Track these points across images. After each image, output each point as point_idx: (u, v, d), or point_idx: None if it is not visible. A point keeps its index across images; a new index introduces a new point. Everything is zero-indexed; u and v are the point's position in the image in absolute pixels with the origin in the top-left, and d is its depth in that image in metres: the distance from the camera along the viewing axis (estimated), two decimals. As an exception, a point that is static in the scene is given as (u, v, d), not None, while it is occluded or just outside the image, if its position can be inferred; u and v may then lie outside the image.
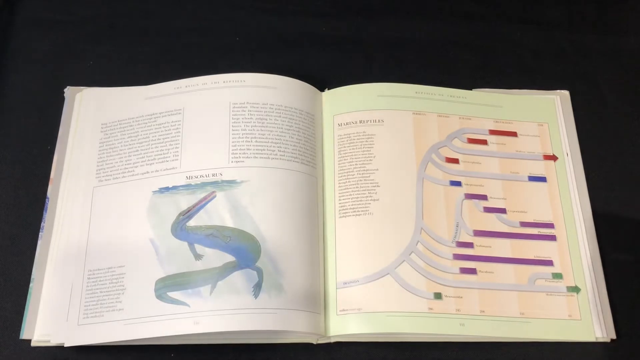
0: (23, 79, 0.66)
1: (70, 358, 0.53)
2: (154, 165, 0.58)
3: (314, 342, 0.54)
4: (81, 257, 0.55)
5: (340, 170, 0.59)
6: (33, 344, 0.53)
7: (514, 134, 0.63)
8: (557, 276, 0.56)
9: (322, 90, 0.64)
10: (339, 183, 0.59)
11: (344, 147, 0.60)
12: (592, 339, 0.54)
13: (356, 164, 0.59)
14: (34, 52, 0.68)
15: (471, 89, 0.65)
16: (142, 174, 0.58)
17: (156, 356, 0.53)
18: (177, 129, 0.59)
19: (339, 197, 0.58)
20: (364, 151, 0.60)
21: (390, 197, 0.58)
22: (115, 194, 0.57)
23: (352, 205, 0.58)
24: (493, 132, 0.63)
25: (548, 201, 0.60)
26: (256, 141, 0.58)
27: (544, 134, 0.63)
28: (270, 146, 0.58)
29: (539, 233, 0.58)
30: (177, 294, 0.52)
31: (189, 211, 0.55)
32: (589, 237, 0.58)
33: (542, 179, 0.61)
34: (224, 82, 0.61)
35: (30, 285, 0.55)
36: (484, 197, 0.59)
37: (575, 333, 0.54)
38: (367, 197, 0.58)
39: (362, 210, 0.57)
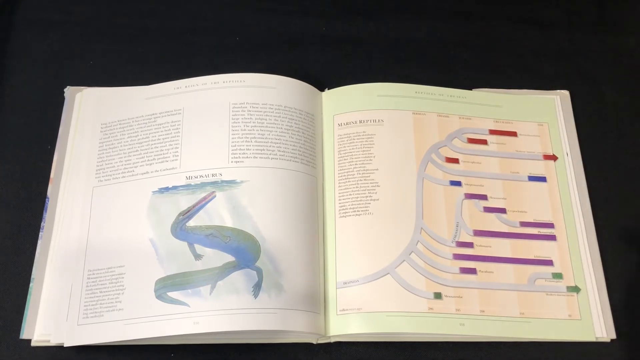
0: (23, 79, 0.66)
1: (70, 358, 0.53)
2: (153, 165, 0.58)
3: (314, 342, 0.54)
4: (81, 257, 0.55)
5: (340, 170, 0.59)
6: (33, 344, 0.53)
7: (514, 134, 0.63)
8: (557, 276, 0.56)
9: (322, 90, 0.64)
10: (339, 183, 0.59)
11: (344, 147, 0.60)
12: (592, 339, 0.54)
13: (356, 164, 0.59)
14: (34, 52, 0.68)
15: (471, 89, 0.65)
16: (142, 174, 0.58)
17: (156, 356, 0.54)
18: (177, 129, 0.59)
19: (339, 197, 0.58)
20: (364, 151, 0.60)
21: (390, 197, 0.58)
22: (115, 194, 0.57)
23: (352, 205, 0.58)
24: (493, 132, 0.63)
25: (548, 201, 0.60)
26: (256, 141, 0.58)
27: (544, 134, 0.63)
28: (270, 146, 0.58)
29: (539, 233, 0.58)
30: (176, 294, 0.52)
31: (188, 211, 0.55)
32: (589, 237, 0.58)
33: (542, 179, 0.61)
34: (223, 82, 0.61)
35: (30, 285, 0.55)
36: (484, 197, 0.59)
37: (575, 333, 0.54)
38: (367, 197, 0.58)
39: (362, 210, 0.57)
